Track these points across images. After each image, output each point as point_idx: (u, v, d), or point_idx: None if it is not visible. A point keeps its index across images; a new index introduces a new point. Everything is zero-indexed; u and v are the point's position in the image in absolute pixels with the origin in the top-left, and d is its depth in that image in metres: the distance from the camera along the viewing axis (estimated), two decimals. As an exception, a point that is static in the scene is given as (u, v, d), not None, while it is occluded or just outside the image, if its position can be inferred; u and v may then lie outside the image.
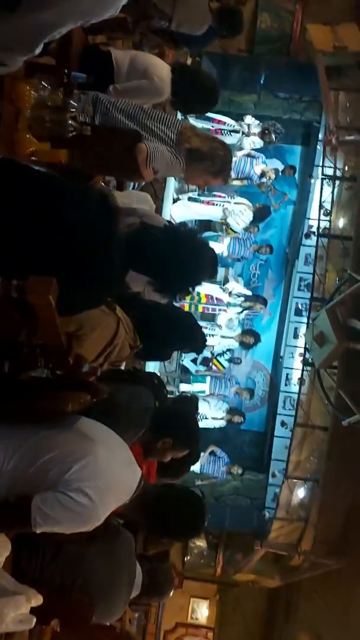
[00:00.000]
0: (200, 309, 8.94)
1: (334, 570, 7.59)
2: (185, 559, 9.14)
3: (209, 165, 3.06)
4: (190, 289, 2.65)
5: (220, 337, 9.20)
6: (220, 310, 9.05)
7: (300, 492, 8.13)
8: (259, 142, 8.77)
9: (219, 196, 8.77)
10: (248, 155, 8.78)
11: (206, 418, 8.78)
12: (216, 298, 8.91)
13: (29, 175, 1.93)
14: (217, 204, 8.70)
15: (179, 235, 2.67)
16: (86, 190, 1.92)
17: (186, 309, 8.58)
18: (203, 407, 8.63)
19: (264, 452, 9.77)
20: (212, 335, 8.90)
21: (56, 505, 1.93)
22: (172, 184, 7.84)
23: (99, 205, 1.88)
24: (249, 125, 8.66)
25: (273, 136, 8.55)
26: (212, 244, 8.83)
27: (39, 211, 1.78)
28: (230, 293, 9.05)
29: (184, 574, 8.99)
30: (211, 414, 8.93)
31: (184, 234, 2.72)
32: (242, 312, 9.21)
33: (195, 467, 8.45)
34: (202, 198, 8.62)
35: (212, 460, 8.93)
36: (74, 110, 2.38)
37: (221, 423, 9.09)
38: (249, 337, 9.28)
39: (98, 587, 2.44)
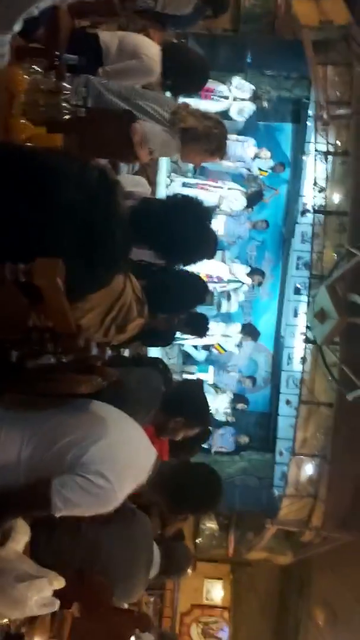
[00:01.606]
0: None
1: (346, 544, 7.67)
2: (197, 541, 9.21)
3: (204, 144, 3.05)
4: (196, 259, 2.62)
5: (221, 336, 9.23)
6: (220, 286, 9.05)
7: (308, 469, 8.18)
8: (250, 108, 8.65)
9: (213, 181, 8.73)
10: (237, 140, 8.72)
11: (211, 409, 8.84)
12: (216, 277, 8.90)
13: (26, 155, 1.90)
14: (210, 189, 8.66)
15: (181, 200, 2.64)
16: (85, 167, 1.86)
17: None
18: (208, 398, 8.67)
19: (269, 432, 9.83)
20: (212, 335, 8.90)
21: (76, 489, 1.94)
22: (164, 167, 7.79)
23: (99, 181, 1.83)
24: (237, 86, 8.54)
25: (265, 103, 8.47)
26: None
27: (38, 192, 1.74)
28: (230, 270, 9.07)
29: (196, 556, 9.07)
30: (216, 405, 9.00)
31: (184, 199, 2.69)
32: (242, 286, 9.21)
33: (207, 445, 8.59)
34: (195, 181, 8.58)
35: (220, 436, 9.07)
36: (67, 92, 2.36)
37: (226, 411, 9.22)
38: (248, 337, 9.31)
39: (117, 570, 2.47)
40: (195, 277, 2.83)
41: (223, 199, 8.64)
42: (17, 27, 2.02)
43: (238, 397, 9.38)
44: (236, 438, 9.32)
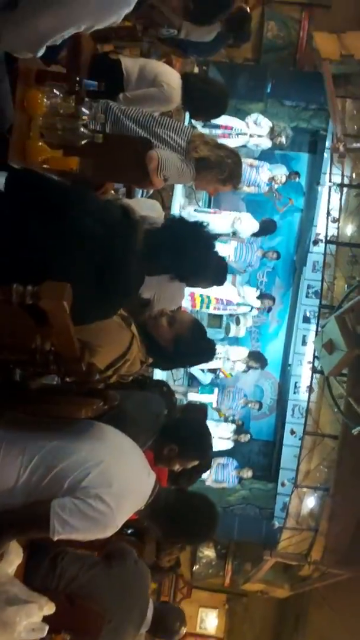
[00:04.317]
0: (211, 307, 8.94)
1: (344, 580, 7.53)
2: (194, 568, 9.08)
3: (217, 174, 3.08)
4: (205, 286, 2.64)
5: (227, 359, 9.19)
6: (230, 309, 9.04)
7: (310, 502, 8.07)
8: (266, 144, 8.73)
9: (225, 210, 8.79)
10: (251, 165, 8.79)
11: (213, 437, 8.71)
12: (226, 300, 8.91)
13: (52, 184, 1.96)
14: (223, 214, 8.72)
15: (181, 223, 2.65)
16: (109, 204, 1.96)
17: (197, 307, 8.61)
18: (210, 425, 8.61)
19: (272, 461, 9.72)
20: (219, 358, 8.87)
21: (75, 512, 1.92)
22: (179, 192, 7.85)
23: (122, 218, 1.91)
24: (255, 121, 8.62)
25: (283, 139, 8.54)
26: (219, 246, 8.87)
27: (61, 221, 1.79)
28: (239, 293, 9.07)
29: (192, 583, 8.93)
30: (218, 434, 8.90)
31: (184, 222, 2.69)
32: (251, 310, 9.19)
33: (206, 476, 8.42)
34: (208, 209, 8.64)
35: (221, 468, 8.88)
36: (85, 117, 2.39)
37: (228, 444, 9.06)
38: (256, 362, 9.27)
39: (108, 612, 2.42)
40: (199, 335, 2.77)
41: (237, 220, 8.67)
42: (40, 53, 2.06)
43: (241, 429, 9.23)
44: (238, 472, 8.92)
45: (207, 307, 8.89)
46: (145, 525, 2.56)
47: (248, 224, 8.72)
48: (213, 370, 9.46)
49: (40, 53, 2.09)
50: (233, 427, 9.14)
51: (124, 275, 1.85)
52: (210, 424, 8.44)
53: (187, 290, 7.97)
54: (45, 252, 1.76)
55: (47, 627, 2.20)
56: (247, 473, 8.94)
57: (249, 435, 9.16)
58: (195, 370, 9.38)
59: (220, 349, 8.90)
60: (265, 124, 8.63)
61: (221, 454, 8.92)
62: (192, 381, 9.53)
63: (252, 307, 9.23)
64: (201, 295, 8.53)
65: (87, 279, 1.78)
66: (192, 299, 8.39)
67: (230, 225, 8.73)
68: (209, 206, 8.89)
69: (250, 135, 8.56)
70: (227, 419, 9.28)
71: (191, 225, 2.54)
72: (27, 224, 1.76)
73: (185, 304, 8.25)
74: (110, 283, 1.82)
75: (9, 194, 1.87)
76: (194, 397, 9.10)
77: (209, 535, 2.34)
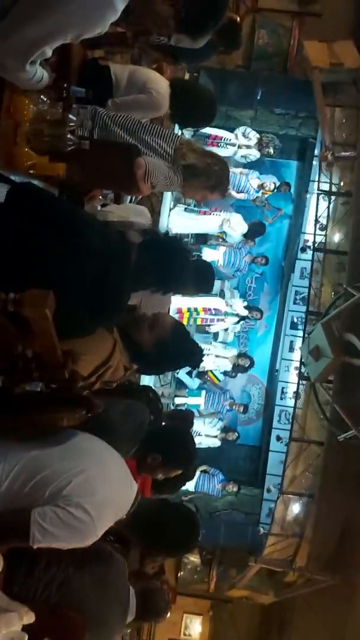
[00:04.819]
0: (198, 321, 8.94)
1: (329, 587, 7.53)
2: (179, 574, 9.05)
3: (204, 181, 3.08)
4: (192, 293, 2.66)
5: (215, 356, 9.19)
6: (218, 320, 9.05)
7: (296, 508, 8.08)
8: (254, 155, 8.79)
9: (215, 210, 8.81)
10: (240, 172, 8.83)
11: (200, 435, 8.72)
12: (214, 309, 8.92)
13: (54, 200, 2.03)
14: (213, 214, 8.74)
15: (155, 242, 2.64)
16: (106, 224, 2.03)
17: (185, 320, 8.60)
18: (197, 424, 8.59)
19: (259, 467, 9.73)
20: (207, 355, 8.87)
21: (55, 520, 1.91)
22: (168, 197, 7.87)
23: (118, 238, 1.96)
24: (243, 133, 8.69)
25: (271, 149, 8.60)
26: (208, 252, 8.90)
27: (64, 238, 1.85)
28: (227, 303, 9.08)
29: (177, 589, 8.90)
30: (205, 431, 8.88)
31: (158, 241, 2.68)
32: (239, 321, 9.21)
33: (190, 485, 8.38)
34: (197, 209, 8.66)
35: (207, 478, 8.82)
36: (72, 124, 2.38)
37: (215, 442, 9.04)
38: (244, 359, 9.28)
39: (89, 612, 2.40)
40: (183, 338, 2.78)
41: (226, 221, 8.70)
42: (28, 68, 2.04)
43: (228, 428, 9.21)
44: (224, 485, 8.81)
45: (195, 321, 8.89)
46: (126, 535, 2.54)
47: (237, 225, 8.75)
48: (201, 375, 9.46)
49: (29, 68, 2.06)
50: (220, 424, 9.10)
51: (118, 299, 1.88)
52: (197, 422, 8.44)
53: (174, 306, 8.02)
54: (44, 267, 1.79)
55: (26, 636, 2.18)
56: (233, 488, 8.85)
57: (236, 434, 9.11)
58: (182, 375, 9.38)
59: (207, 346, 8.92)
60: (254, 135, 8.70)
61: (208, 461, 8.88)
62: (180, 386, 9.52)
63: (240, 318, 9.25)
64: (189, 309, 8.55)
65: (81, 297, 1.80)
66: (179, 314, 8.38)
67: (219, 226, 8.77)
68: (198, 206, 8.91)
69: (239, 146, 8.62)
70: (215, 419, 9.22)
71: (166, 243, 2.51)
72: (26, 237, 1.78)
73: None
74: (104, 305, 1.88)
75: (10, 207, 1.89)
76: (182, 400, 9.09)
77: (189, 548, 2.34)
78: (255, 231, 9.10)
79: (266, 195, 9.15)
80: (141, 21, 3.53)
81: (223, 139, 8.60)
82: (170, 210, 8.19)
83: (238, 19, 4.36)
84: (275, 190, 9.26)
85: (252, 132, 8.69)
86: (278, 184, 9.24)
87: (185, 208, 8.53)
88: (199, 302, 8.55)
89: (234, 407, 9.41)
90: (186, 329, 2.71)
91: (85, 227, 1.94)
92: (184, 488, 7.28)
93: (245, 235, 8.97)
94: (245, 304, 9.30)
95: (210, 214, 8.72)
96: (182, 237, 8.36)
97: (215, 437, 9.01)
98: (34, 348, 1.91)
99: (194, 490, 8.60)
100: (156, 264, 2.24)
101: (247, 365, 9.28)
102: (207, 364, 8.97)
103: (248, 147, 8.69)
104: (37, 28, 1.87)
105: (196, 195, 3.20)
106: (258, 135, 8.67)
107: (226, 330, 9.39)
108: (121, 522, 2.15)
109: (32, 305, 1.73)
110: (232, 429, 9.22)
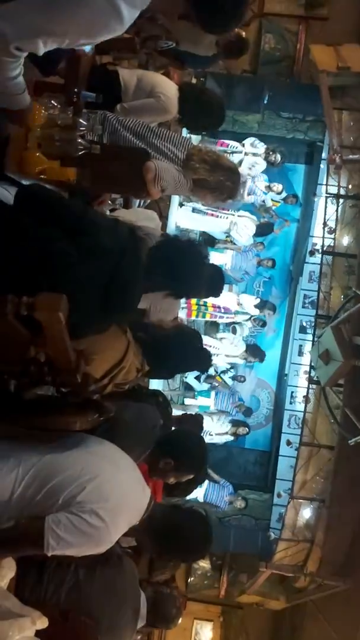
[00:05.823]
0: (207, 316, 8.93)
1: (340, 592, 7.47)
2: (189, 580, 9.01)
3: (217, 196, 3.09)
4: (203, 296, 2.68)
5: (225, 356, 9.17)
6: (227, 317, 9.03)
7: (306, 513, 8.02)
8: (261, 165, 8.80)
9: (223, 210, 8.81)
10: (248, 175, 8.83)
11: (211, 435, 8.71)
12: (224, 307, 8.91)
13: (63, 202, 2.04)
14: (220, 217, 8.74)
15: (172, 245, 2.64)
16: (117, 221, 2.02)
17: (194, 315, 8.58)
18: (207, 423, 8.58)
19: (268, 472, 9.68)
20: (217, 355, 8.86)
21: (70, 528, 1.90)
22: (176, 202, 7.88)
23: (128, 235, 1.97)
24: (252, 143, 8.71)
25: (278, 156, 8.60)
26: (215, 255, 8.91)
27: (75, 239, 1.85)
28: (238, 302, 9.06)
29: (187, 595, 8.85)
30: (216, 430, 8.85)
31: (174, 244, 2.68)
32: (249, 319, 9.18)
33: (199, 494, 8.33)
34: (205, 208, 8.67)
35: (216, 489, 8.73)
36: (83, 129, 2.39)
37: (227, 438, 9.00)
38: (254, 356, 9.24)
39: (100, 618, 2.38)
40: (193, 340, 2.80)
41: (234, 225, 8.70)
42: (24, 52, 1.96)
43: (239, 422, 9.13)
44: (231, 499, 8.73)
45: (204, 316, 8.89)
46: (139, 542, 2.53)
47: (244, 230, 8.74)
48: (209, 379, 9.45)
49: (16, 52, 1.98)
50: (230, 418, 9.04)
51: (129, 295, 1.88)
52: (207, 421, 8.42)
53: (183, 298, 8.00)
54: (54, 267, 1.79)
55: (39, 642, 2.17)
56: (240, 504, 8.76)
57: (247, 429, 9.05)
58: (191, 379, 9.36)
59: (214, 342, 8.90)
60: (261, 146, 8.72)
61: (218, 467, 8.80)
62: (188, 391, 9.50)
63: (250, 316, 9.23)
64: (197, 302, 8.54)
65: (93, 295, 1.80)
66: (188, 307, 8.39)
67: (227, 227, 8.77)
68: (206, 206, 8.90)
69: (246, 154, 8.64)
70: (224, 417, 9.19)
71: (182, 246, 2.51)
72: (36, 237, 1.79)
73: (181, 313, 8.25)
74: (115, 301, 1.87)
75: (19, 208, 1.90)
76: (191, 401, 9.07)
77: (203, 553, 2.32)
78: (262, 232, 9.11)
79: (274, 207, 9.17)
80: (148, 26, 3.55)
81: (230, 145, 8.62)
82: (179, 205, 8.19)
83: (243, 34, 4.39)
84: (282, 202, 9.28)
85: (259, 144, 8.73)
86: (285, 195, 9.26)
87: (193, 209, 8.55)
88: (209, 298, 8.53)
89: (238, 407, 9.38)
90: (199, 336, 2.76)
91: (95, 225, 1.92)
92: (192, 497, 7.26)
93: (253, 235, 8.99)
94: (257, 301, 9.26)
95: (217, 216, 8.73)
96: (190, 233, 8.39)
97: (226, 433, 8.96)
98: (47, 351, 1.91)
99: (203, 500, 8.56)
100: (173, 268, 2.25)
101: (256, 361, 9.26)
102: (217, 361, 8.97)
103: (255, 154, 8.70)
104: (43, 19, 1.84)
105: (205, 199, 3.21)
106: (265, 146, 8.69)
107: (235, 333, 9.36)
108: (134, 527, 2.14)
109: (46, 309, 1.73)
110: (243, 423, 9.14)
